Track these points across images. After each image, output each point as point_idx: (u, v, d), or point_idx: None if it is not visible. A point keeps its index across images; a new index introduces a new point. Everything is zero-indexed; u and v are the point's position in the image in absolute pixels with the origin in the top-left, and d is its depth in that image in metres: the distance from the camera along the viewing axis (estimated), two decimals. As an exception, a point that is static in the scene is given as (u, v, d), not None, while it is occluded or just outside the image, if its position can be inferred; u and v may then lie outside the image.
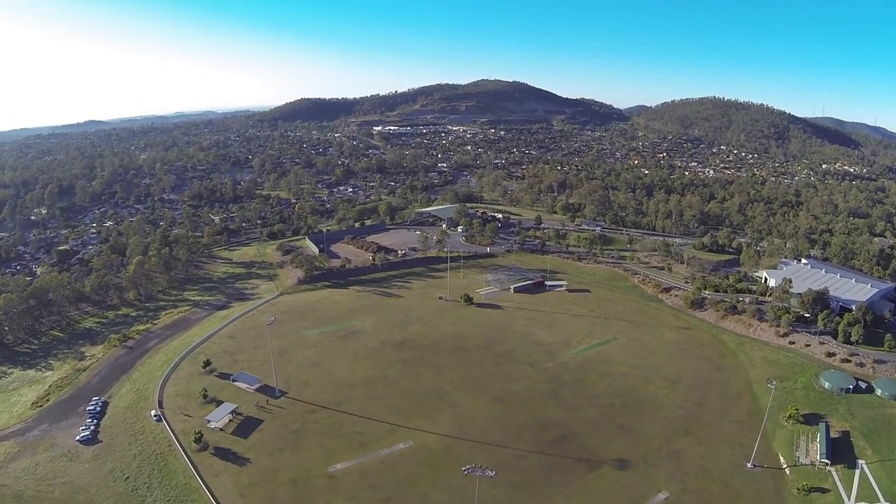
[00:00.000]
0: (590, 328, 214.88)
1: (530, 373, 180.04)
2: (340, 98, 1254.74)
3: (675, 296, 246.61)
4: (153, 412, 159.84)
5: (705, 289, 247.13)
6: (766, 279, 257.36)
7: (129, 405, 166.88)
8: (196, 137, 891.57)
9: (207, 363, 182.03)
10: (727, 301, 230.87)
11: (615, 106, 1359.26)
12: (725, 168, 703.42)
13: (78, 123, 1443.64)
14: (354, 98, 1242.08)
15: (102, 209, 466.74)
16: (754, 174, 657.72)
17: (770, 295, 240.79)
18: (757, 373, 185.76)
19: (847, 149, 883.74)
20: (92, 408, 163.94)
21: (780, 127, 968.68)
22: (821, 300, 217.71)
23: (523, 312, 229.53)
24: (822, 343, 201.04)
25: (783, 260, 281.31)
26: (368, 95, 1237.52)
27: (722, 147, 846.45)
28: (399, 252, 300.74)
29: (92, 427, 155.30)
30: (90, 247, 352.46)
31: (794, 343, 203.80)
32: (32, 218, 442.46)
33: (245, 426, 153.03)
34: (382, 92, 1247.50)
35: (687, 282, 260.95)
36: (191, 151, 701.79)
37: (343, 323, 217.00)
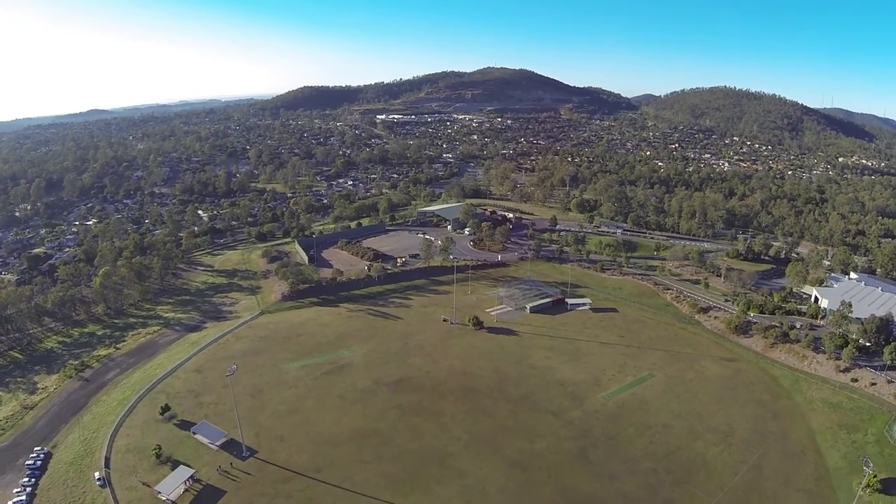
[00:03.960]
0: (621, 361, 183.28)
1: (554, 425, 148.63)
2: (344, 86, 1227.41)
3: (715, 317, 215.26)
4: (97, 474, 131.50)
5: (749, 309, 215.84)
6: (815, 298, 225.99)
7: (73, 460, 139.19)
8: (195, 126, 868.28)
9: (166, 408, 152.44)
10: (777, 327, 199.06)
11: (623, 94, 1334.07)
12: (740, 160, 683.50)
13: (80, 113, 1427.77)
14: (358, 86, 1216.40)
15: (89, 204, 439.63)
16: (771, 168, 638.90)
17: (822, 318, 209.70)
18: (819, 420, 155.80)
19: (862, 141, 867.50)
20: (32, 462, 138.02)
21: (794, 118, 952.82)
22: (885, 328, 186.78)
23: (542, 340, 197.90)
24: (889, 381, 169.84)
25: (833, 275, 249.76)
26: (372, 83, 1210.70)
27: (735, 138, 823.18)
28: (398, 260, 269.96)
29: (29, 489, 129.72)
30: (66, 249, 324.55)
31: (856, 381, 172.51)
32: (17, 214, 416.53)
33: (203, 499, 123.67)
34: (387, 80, 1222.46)
35: (727, 300, 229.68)
36: (188, 141, 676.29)
37: (330, 353, 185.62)
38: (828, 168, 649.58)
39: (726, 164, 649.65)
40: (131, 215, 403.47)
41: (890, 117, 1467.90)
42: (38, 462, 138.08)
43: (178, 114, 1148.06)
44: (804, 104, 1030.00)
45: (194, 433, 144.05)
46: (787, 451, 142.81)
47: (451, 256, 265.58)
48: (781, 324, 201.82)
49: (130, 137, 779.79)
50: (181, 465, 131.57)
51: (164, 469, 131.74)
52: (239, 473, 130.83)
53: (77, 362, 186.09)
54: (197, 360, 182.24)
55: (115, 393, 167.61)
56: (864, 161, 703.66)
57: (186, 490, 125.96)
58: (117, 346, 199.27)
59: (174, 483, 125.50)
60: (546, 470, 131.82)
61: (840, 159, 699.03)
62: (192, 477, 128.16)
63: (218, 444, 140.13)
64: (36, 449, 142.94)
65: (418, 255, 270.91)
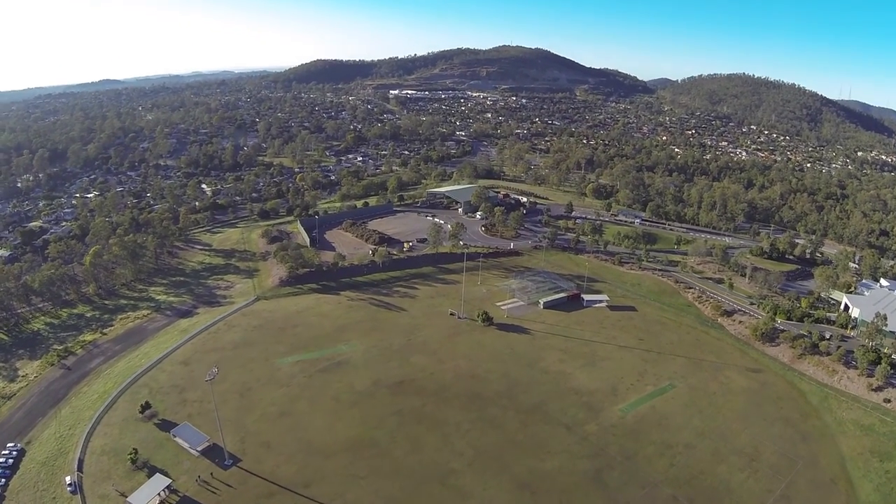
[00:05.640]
0: (640, 368, 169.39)
1: (567, 441, 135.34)
2: (358, 60, 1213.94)
3: (740, 322, 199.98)
4: (69, 478, 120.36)
5: (776, 315, 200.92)
6: (846, 306, 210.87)
7: (46, 459, 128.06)
8: (206, 98, 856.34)
9: (147, 406, 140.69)
10: (806, 336, 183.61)
11: (639, 77, 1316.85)
12: (758, 150, 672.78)
13: (92, 82, 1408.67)
14: (372, 60, 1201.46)
15: (92, 176, 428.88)
16: (790, 159, 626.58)
17: (852, 328, 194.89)
18: (850, 445, 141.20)
19: (882, 136, 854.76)
20: (3, 460, 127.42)
21: (813, 109, 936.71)
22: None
23: (556, 340, 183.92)
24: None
25: (863, 282, 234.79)
26: (386, 58, 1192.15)
27: (752, 127, 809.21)
28: (405, 245, 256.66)
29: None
30: (63, 223, 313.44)
31: (889, 401, 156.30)
32: (19, 185, 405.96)
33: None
34: (401, 55, 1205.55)
35: (752, 303, 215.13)
36: (197, 113, 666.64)
37: (327, 348, 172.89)
38: (847, 162, 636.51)
39: (744, 153, 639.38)
40: (133, 188, 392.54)
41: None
42: (10, 460, 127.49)
43: (190, 84, 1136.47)
44: (823, 95, 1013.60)
45: (174, 436, 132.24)
46: (817, 479, 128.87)
47: (462, 242, 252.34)
48: (810, 333, 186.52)
49: (140, 108, 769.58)
50: (158, 473, 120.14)
51: (139, 476, 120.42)
52: (219, 485, 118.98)
53: (61, 348, 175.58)
54: (185, 351, 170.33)
55: (97, 384, 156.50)
56: (883, 157, 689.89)
57: (161, 502, 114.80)
58: (104, 330, 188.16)
59: (149, 494, 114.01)
60: (557, 494, 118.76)
61: (859, 153, 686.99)
62: (168, 487, 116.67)
63: (199, 449, 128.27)
64: (9, 445, 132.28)
65: (426, 239, 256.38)
